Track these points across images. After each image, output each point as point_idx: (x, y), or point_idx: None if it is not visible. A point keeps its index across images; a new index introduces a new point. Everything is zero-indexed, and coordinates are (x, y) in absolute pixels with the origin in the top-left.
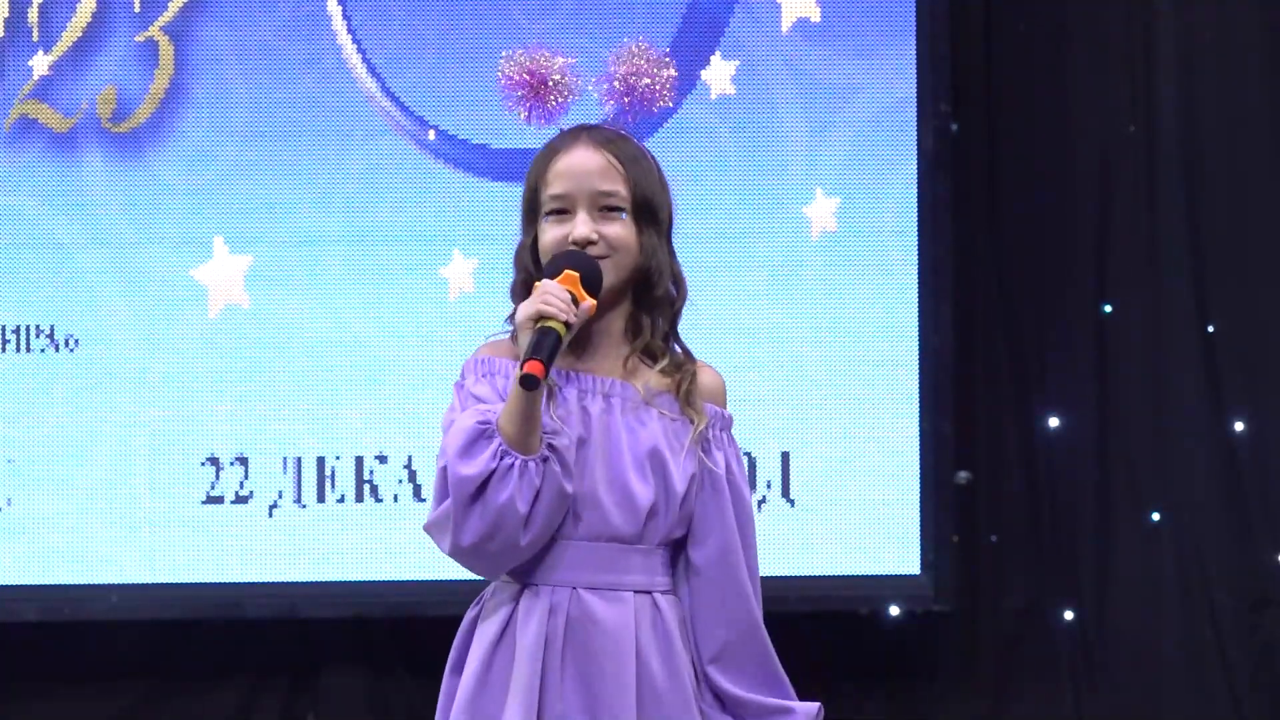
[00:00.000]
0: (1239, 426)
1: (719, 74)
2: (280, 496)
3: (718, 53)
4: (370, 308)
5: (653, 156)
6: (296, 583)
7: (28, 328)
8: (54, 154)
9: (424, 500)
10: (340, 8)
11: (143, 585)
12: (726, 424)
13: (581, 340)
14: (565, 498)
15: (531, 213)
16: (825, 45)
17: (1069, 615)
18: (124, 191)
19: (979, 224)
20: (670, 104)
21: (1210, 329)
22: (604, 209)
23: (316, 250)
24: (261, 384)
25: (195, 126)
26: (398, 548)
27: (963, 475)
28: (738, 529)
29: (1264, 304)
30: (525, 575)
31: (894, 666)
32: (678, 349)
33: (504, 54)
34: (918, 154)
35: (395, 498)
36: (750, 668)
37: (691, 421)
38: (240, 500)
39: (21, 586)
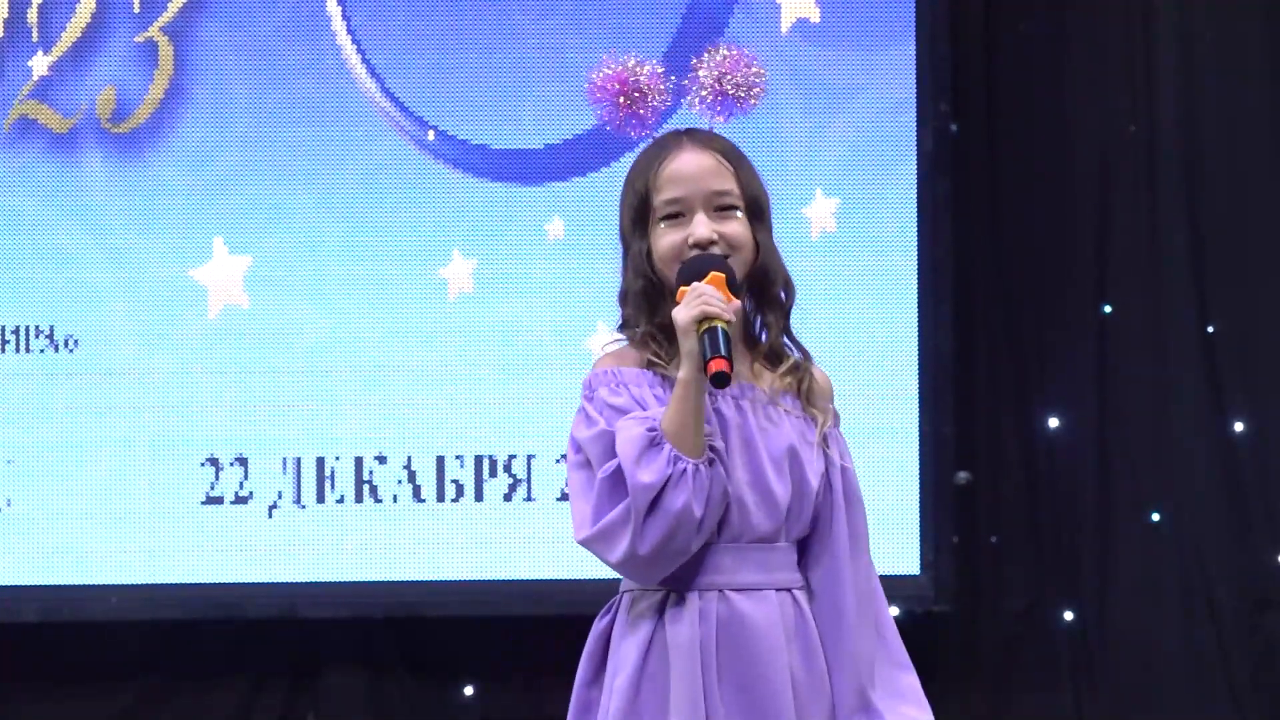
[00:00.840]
0: (1239, 427)
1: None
2: (280, 497)
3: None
4: (370, 308)
5: (747, 156)
6: (296, 583)
7: (27, 328)
8: (53, 154)
9: (424, 501)
10: (340, 8)
11: (143, 586)
12: (837, 421)
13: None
14: (727, 499)
15: (641, 220)
16: (825, 46)
17: (1069, 615)
18: (123, 192)
19: (979, 225)
20: (758, 102)
21: (1210, 329)
22: (719, 209)
23: (316, 251)
24: (261, 384)
25: (195, 127)
26: (397, 548)
27: (962, 475)
28: (850, 529)
29: (1264, 304)
30: (671, 581)
31: None
32: (794, 350)
33: (593, 68)
34: (917, 155)
35: (394, 498)
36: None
37: (815, 420)
38: (240, 500)
39: (21, 587)
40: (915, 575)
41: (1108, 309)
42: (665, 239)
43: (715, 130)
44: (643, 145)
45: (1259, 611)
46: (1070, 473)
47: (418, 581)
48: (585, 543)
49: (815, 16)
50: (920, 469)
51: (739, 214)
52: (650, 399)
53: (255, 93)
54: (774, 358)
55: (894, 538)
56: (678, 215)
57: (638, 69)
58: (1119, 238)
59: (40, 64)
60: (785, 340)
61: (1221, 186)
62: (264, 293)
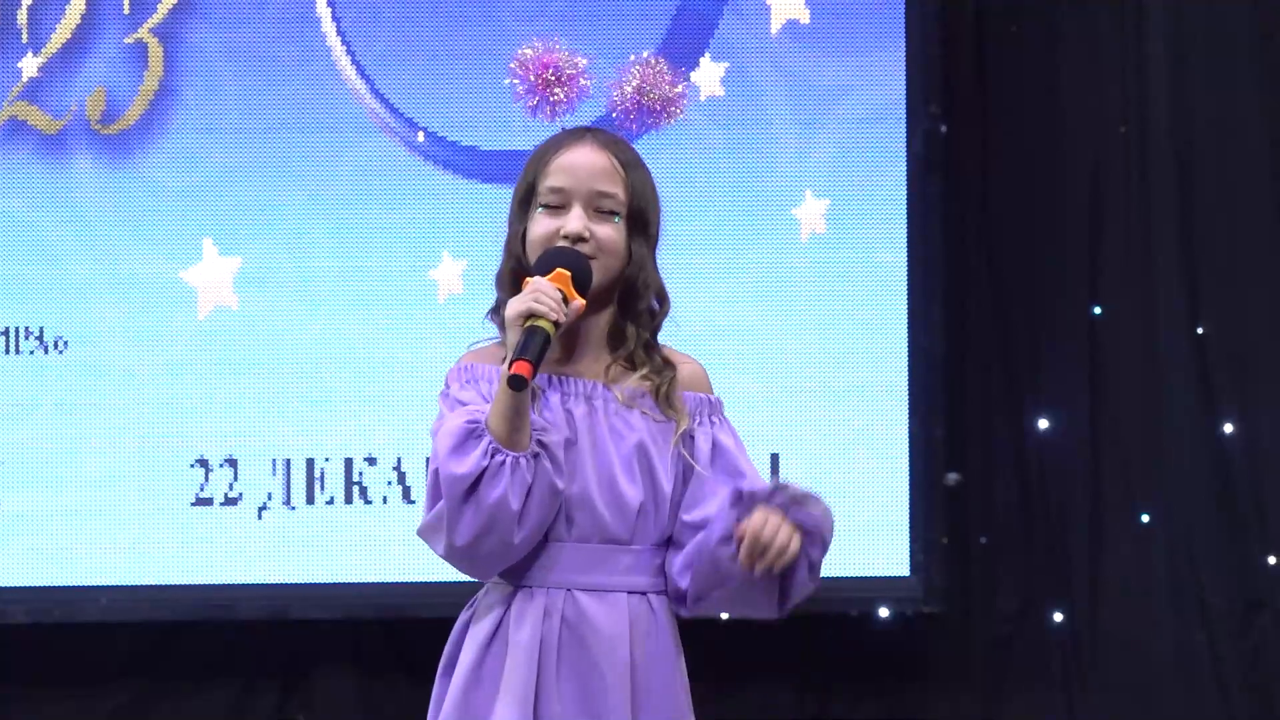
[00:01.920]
0: (1229, 428)
1: (708, 76)
2: (270, 498)
3: (707, 54)
4: (359, 309)
5: (649, 170)
6: (286, 584)
7: (16, 329)
8: (43, 155)
9: (414, 502)
10: (330, 9)
11: (133, 587)
12: (716, 408)
13: (564, 343)
14: (557, 494)
15: (525, 203)
16: (814, 47)
17: (1059, 617)
18: (113, 193)
19: (969, 225)
20: (679, 117)
21: (1200, 331)
22: (599, 210)
23: (306, 252)
24: (251, 386)
25: (184, 128)
26: (387, 549)
27: (952, 477)
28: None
29: (1254, 306)
30: (518, 577)
31: (885, 668)
32: (657, 357)
33: (523, 46)
34: (907, 156)
35: (385, 499)
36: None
37: (675, 422)
38: (230, 502)
39: (11, 589)
40: (905, 576)
41: (1098, 310)
42: (541, 225)
43: (621, 138)
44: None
45: (1249, 612)
46: (1061, 474)
47: (408, 583)
48: (420, 535)
49: (805, 18)
50: (910, 470)
51: (617, 219)
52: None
53: (245, 94)
54: (631, 364)
55: (884, 539)
56: (558, 206)
57: (562, 56)
58: (1110, 239)
59: (30, 65)
60: (648, 353)
61: (1212, 188)
62: (254, 294)
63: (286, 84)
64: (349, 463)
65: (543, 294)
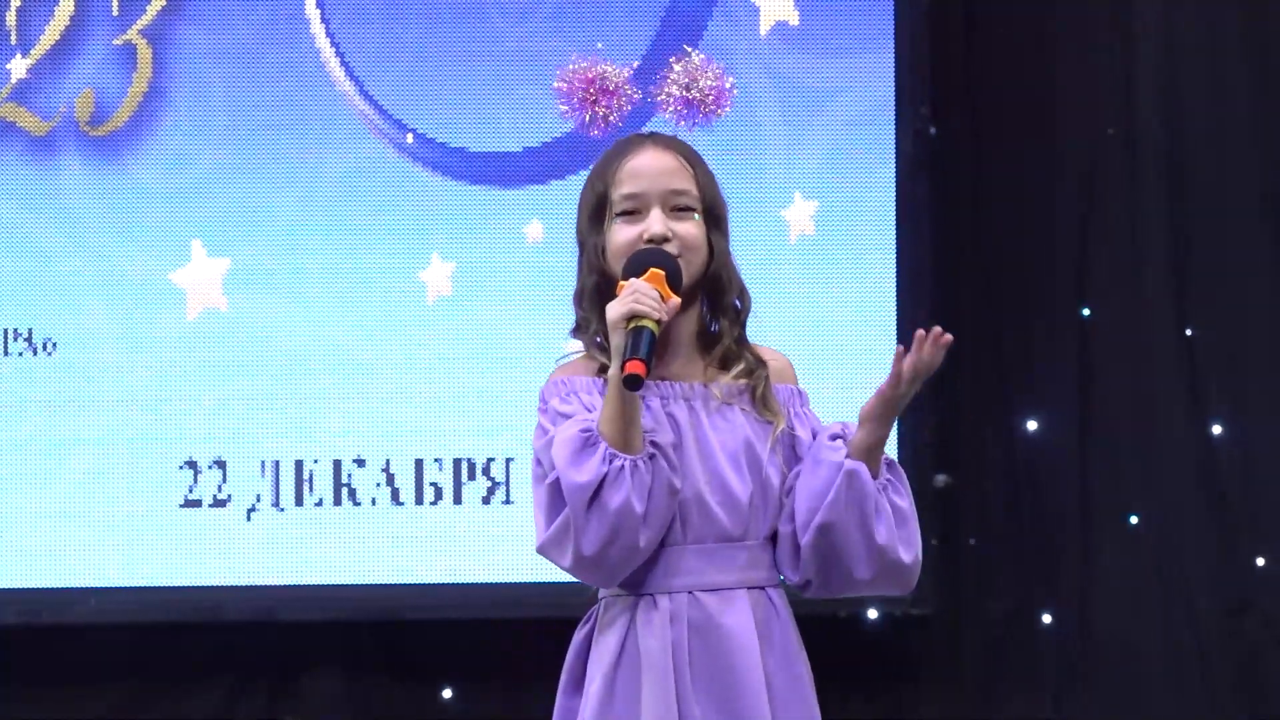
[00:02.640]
0: (1218, 430)
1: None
2: (258, 500)
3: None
4: (348, 311)
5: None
6: (275, 586)
7: (5, 331)
8: (32, 157)
9: (402, 504)
10: (319, 10)
11: (121, 589)
12: (804, 400)
13: (659, 344)
14: (675, 494)
15: (596, 217)
16: (804, 48)
17: (1049, 618)
18: (102, 195)
19: (958, 228)
20: (724, 113)
21: (1189, 333)
22: (676, 209)
23: (295, 253)
24: (239, 387)
25: (173, 130)
26: (376, 551)
27: (942, 478)
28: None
29: (1243, 308)
30: (639, 585)
31: (874, 670)
32: (749, 354)
33: (563, 65)
34: (896, 157)
35: (373, 501)
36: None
37: (770, 424)
38: (218, 504)
39: (0, 590)
40: None
41: (1087, 312)
42: (620, 234)
43: (680, 137)
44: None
45: (1238, 614)
46: (1050, 476)
47: (396, 584)
48: (541, 552)
49: (794, 19)
50: None
51: (695, 216)
52: (600, 405)
53: (234, 95)
54: (726, 363)
55: None
56: (634, 212)
57: (607, 69)
58: (1099, 241)
59: (19, 67)
60: (740, 350)
61: (1201, 190)
62: (243, 296)
63: (275, 86)
64: (338, 464)
65: (642, 294)
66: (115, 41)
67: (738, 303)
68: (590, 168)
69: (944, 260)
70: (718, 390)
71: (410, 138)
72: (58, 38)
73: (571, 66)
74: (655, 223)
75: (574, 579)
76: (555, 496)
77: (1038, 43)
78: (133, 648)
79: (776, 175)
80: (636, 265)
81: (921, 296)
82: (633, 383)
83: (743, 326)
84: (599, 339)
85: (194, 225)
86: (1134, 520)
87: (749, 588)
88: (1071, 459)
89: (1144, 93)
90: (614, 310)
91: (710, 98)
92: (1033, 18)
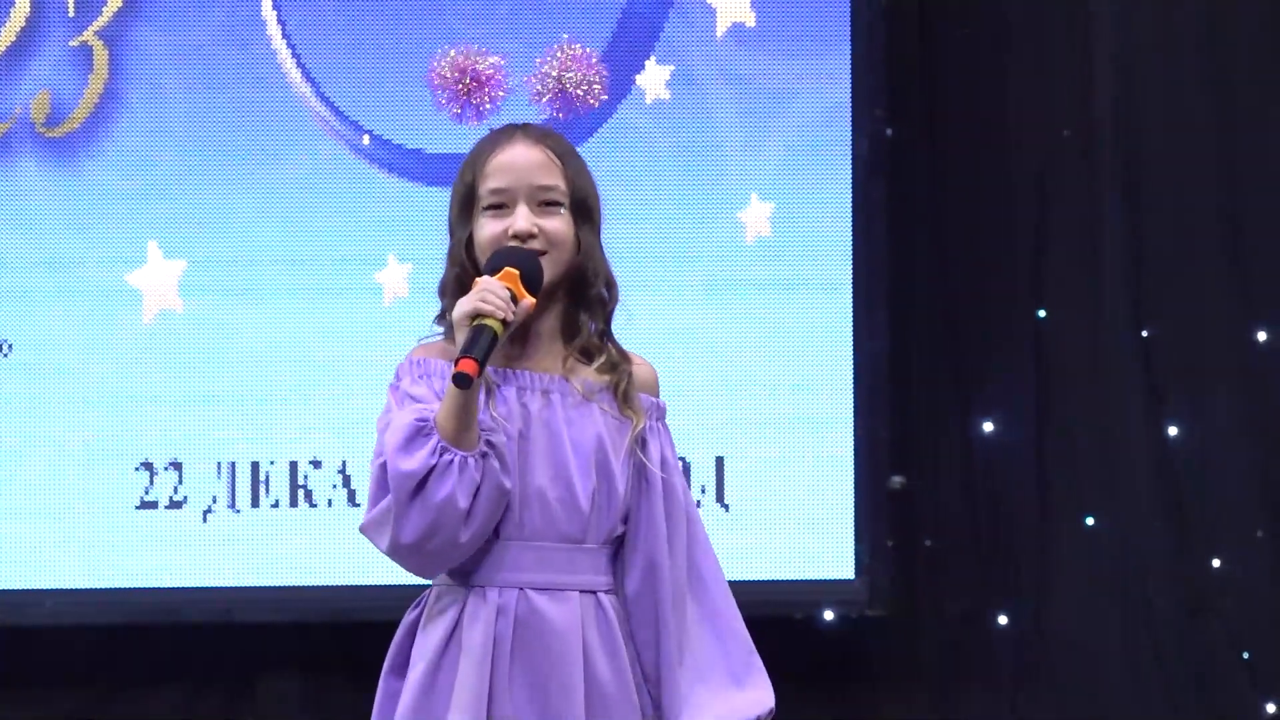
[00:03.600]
0: (1174, 431)
1: (654, 79)
2: (214, 501)
3: (652, 57)
4: (305, 313)
5: (582, 157)
6: (231, 588)
7: None
8: None
9: (359, 505)
10: (275, 12)
11: (78, 591)
12: (661, 413)
13: (519, 337)
14: (504, 494)
15: (466, 209)
16: (760, 50)
17: (1005, 620)
18: (58, 196)
19: (915, 229)
20: (599, 103)
21: (1146, 334)
22: (543, 203)
23: (251, 255)
24: (195, 389)
25: (130, 131)
26: (333, 552)
27: (897, 480)
28: (668, 526)
29: (1200, 309)
30: (470, 576)
31: (829, 672)
32: (613, 349)
33: (436, 53)
34: (853, 159)
35: (330, 502)
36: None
37: (630, 421)
38: (174, 505)
39: None
40: (850, 580)
41: (1043, 313)
42: (487, 229)
43: (549, 127)
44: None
45: (1195, 615)
46: (1006, 477)
47: (354, 586)
48: (363, 531)
49: (750, 21)
50: (855, 473)
51: (562, 210)
52: None
53: (190, 97)
54: (588, 356)
55: (829, 542)
56: (501, 206)
57: (478, 58)
58: (1055, 242)
59: None
60: (604, 342)
61: (1158, 192)
62: (199, 297)
63: (232, 87)
64: (294, 466)
65: (490, 293)
66: (71, 43)
67: (605, 294)
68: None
69: (900, 262)
70: (578, 384)
71: (367, 139)
72: (13, 39)
73: (443, 55)
74: (520, 219)
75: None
76: (383, 477)
77: (994, 45)
78: (89, 650)
79: (733, 177)
80: (494, 264)
81: (877, 298)
82: (461, 380)
83: (608, 320)
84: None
85: (150, 227)
86: (1090, 521)
87: (581, 590)
88: (1028, 460)
89: (1100, 95)
90: (460, 307)
91: (582, 89)
92: (989, 20)
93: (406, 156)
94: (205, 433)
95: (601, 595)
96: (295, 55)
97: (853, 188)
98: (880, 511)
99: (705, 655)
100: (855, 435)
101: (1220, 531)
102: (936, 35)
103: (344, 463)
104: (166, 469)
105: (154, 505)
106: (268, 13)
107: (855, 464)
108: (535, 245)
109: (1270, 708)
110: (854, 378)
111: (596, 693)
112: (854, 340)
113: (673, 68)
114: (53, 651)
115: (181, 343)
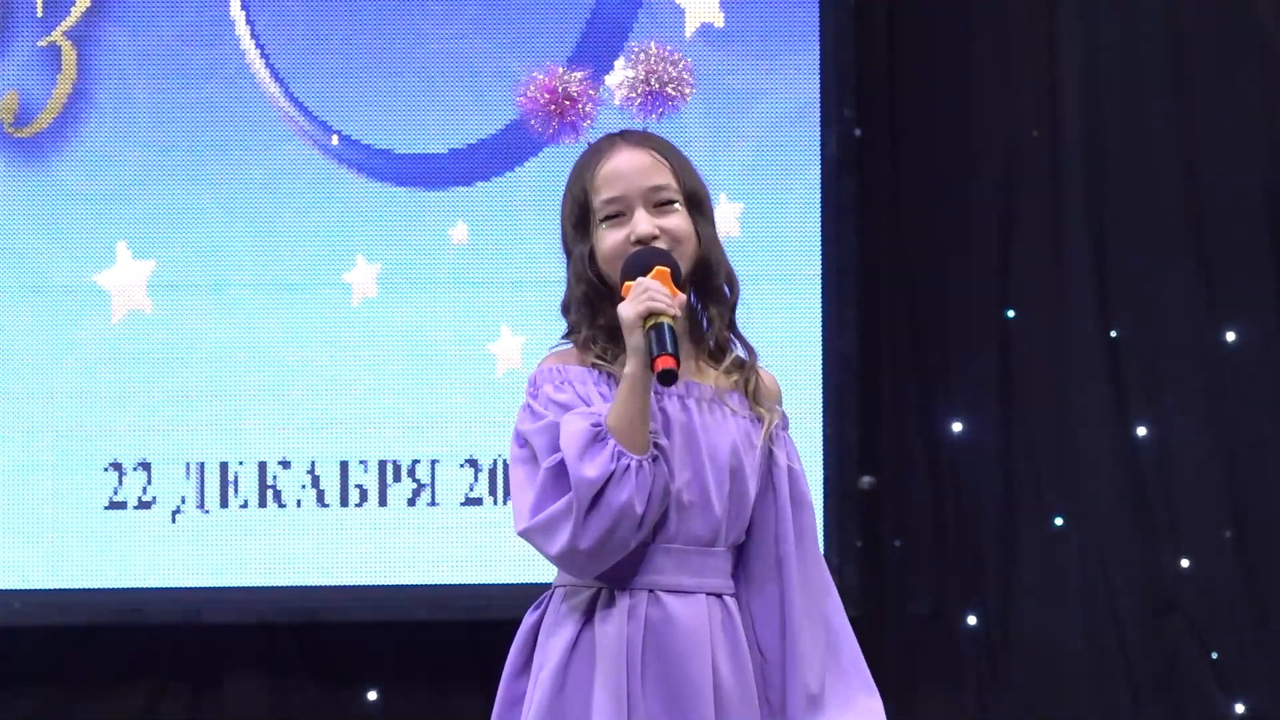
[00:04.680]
0: (1141, 431)
1: (623, 79)
2: (183, 502)
3: (621, 58)
4: (273, 313)
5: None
6: (199, 588)
7: None
8: None
9: (328, 505)
10: (244, 13)
11: (45, 591)
12: (785, 424)
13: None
14: (668, 497)
15: (582, 224)
16: (728, 50)
17: (973, 620)
18: (26, 197)
19: (883, 229)
20: (688, 96)
21: (1113, 334)
22: (658, 204)
23: (220, 255)
24: (164, 389)
25: (98, 132)
26: (301, 553)
27: (866, 480)
28: (795, 530)
29: (1167, 310)
30: (604, 578)
31: None
32: (737, 345)
33: (522, 83)
34: (821, 159)
35: (299, 503)
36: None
37: (761, 420)
38: (143, 506)
39: None
40: None
41: (1011, 313)
42: (608, 239)
43: (649, 129)
44: (580, 152)
45: (1161, 615)
46: (974, 477)
47: (321, 586)
48: (526, 534)
49: (719, 21)
50: (824, 473)
51: (679, 207)
52: (595, 396)
53: (159, 97)
54: (718, 354)
55: None
56: (618, 215)
57: (566, 77)
58: (1022, 242)
59: None
60: (731, 336)
61: (1124, 192)
62: (167, 298)
63: (201, 88)
64: (263, 466)
65: (655, 291)
66: (40, 43)
67: (727, 288)
68: (568, 176)
69: (869, 262)
70: (710, 386)
71: (335, 139)
72: None
73: (530, 81)
74: (641, 222)
75: (516, 579)
76: (553, 481)
77: (961, 45)
78: (56, 650)
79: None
80: (637, 266)
81: (847, 298)
82: (667, 378)
83: (733, 312)
84: (593, 344)
85: (118, 227)
86: (1058, 522)
87: (708, 594)
88: (996, 461)
89: (1067, 94)
90: (629, 310)
91: (672, 87)
92: (956, 20)
93: (375, 157)
94: (174, 433)
95: (727, 598)
96: (264, 55)
97: (822, 187)
98: (849, 512)
99: (846, 659)
100: (824, 435)
101: (1188, 532)
102: (904, 35)
103: (313, 463)
104: (135, 469)
105: (123, 505)
106: (236, 13)
107: (824, 464)
108: (659, 245)
109: (1239, 708)
110: (822, 378)
111: (722, 695)
112: (822, 340)
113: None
114: (20, 651)
115: (150, 343)
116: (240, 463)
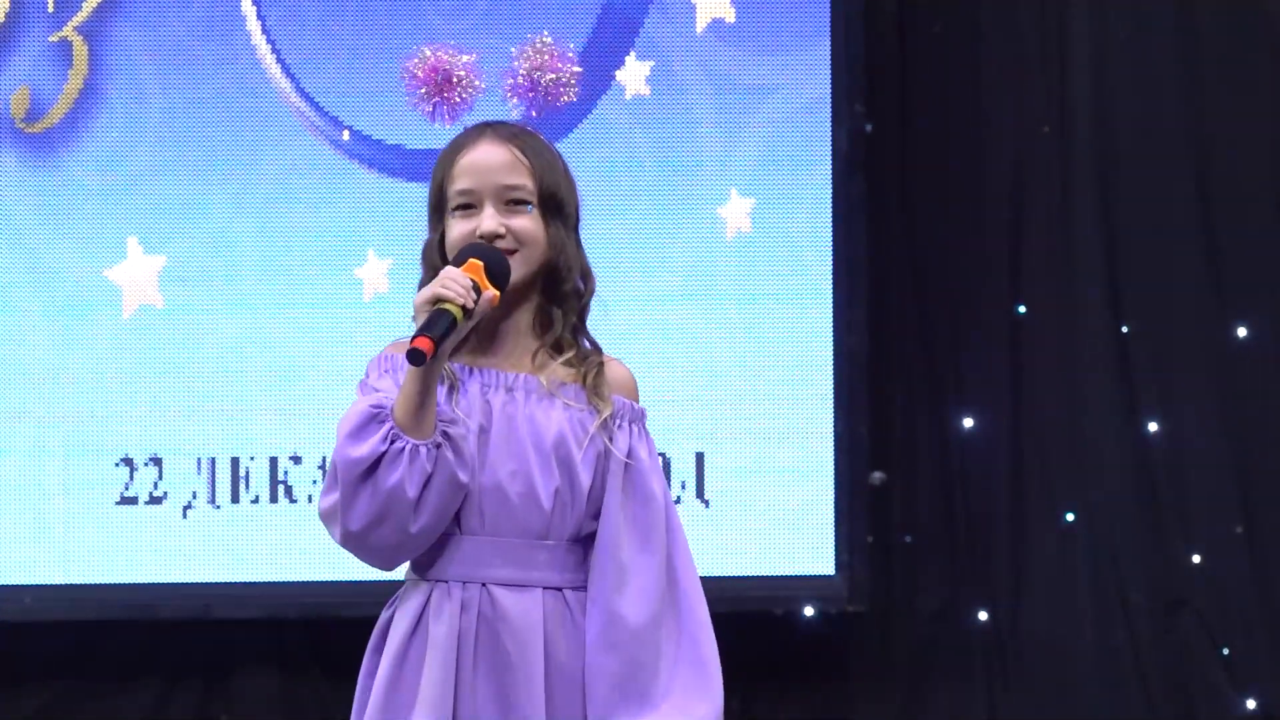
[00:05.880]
0: (1152, 427)
1: (634, 74)
2: (194, 497)
3: (632, 53)
4: (284, 308)
5: (558, 152)
6: (210, 583)
7: None
8: None
9: None
10: (255, 8)
11: (57, 586)
12: (638, 416)
13: (489, 336)
14: (459, 487)
15: (438, 209)
16: (740, 46)
17: (983, 616)
18: (37, 192)
19: (893, 224)
20: (575, 98)
21: (1124, 330)
22: (510, 202)
23: (231, 251)
24: (175, 384)
25: (109, 127)
26: (311, 548)
27: (877, 476)
28: (626, 522)
29: (1177, 305)
30: (433, 572)
31: (809, 667)
32: (586, 343)
33: (410, 53)
34: (832, 154)
35: (309, 498)
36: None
37: (598, 411)
38: (154, 501)
39: None
40: (830, 576)
41: (1022, 309)
42: (456, 229)
43: (526, 124)
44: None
45: (1172, 611)
46: (985, 473)
47: (332, 582)
48: (321, 520)
49: (730, 17)
50: (835, 469)
51: (530, 209)
52: None
53: (170, 92)
54: (558, 349)
55: (809, 538)
56: (469, 206)
57: (453, 58)
58: (1033, 238)
59: None
60: (575, 337)
61: (1135, 187)
62: (178, 292)
63: (211, 83)
64: (274, 461)
65: (451, 279)
66: (51, 38)
67: (580, 287)
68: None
69: (880, 257)
70: (545, 379)
71: (346, 134)
72: None
73: (419, 56)
74: (487, 219)
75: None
76: (334, 465)
77: (972, 40)
78: (68, 645)
79: (712, 172)
80: (463, 257)
81: (857, 293)
82: (415, 357)
83: (581, 314)
84: None
85: (130, 222)
86: (1069, 518)
87: (544, 587)
88: (1006, 456)
89: (1077, 90)
90: (421, 294)
91: (554, 86)
92: (967, 15)
93: (386, 152)
94: (185, 428)
95: (566, 592)
96: (275, 51)
97: (832, 183)
98: (860, 507)
99: (664, 684)
100: (835, 431)
101: (1198, 527)
102: (915, 31)
103: (324, 458)
104: (146, 464)
105: (134, 501)
106: (247, 8)
107: (835, 460)
108: (503, 245)
109: (1250, 703)
110: (834, 373)
111: (562, 690)
112: (834, 336)
113: (652, 63)
114: (32, 647)
115: (161, 338)
116: (251, 458)
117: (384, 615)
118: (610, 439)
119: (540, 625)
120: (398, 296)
